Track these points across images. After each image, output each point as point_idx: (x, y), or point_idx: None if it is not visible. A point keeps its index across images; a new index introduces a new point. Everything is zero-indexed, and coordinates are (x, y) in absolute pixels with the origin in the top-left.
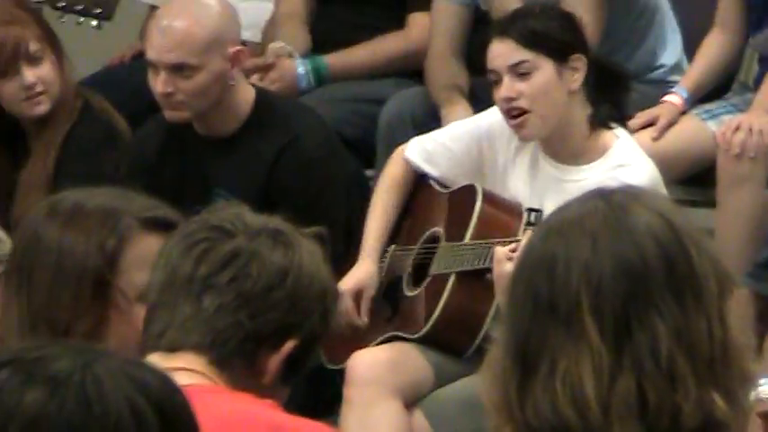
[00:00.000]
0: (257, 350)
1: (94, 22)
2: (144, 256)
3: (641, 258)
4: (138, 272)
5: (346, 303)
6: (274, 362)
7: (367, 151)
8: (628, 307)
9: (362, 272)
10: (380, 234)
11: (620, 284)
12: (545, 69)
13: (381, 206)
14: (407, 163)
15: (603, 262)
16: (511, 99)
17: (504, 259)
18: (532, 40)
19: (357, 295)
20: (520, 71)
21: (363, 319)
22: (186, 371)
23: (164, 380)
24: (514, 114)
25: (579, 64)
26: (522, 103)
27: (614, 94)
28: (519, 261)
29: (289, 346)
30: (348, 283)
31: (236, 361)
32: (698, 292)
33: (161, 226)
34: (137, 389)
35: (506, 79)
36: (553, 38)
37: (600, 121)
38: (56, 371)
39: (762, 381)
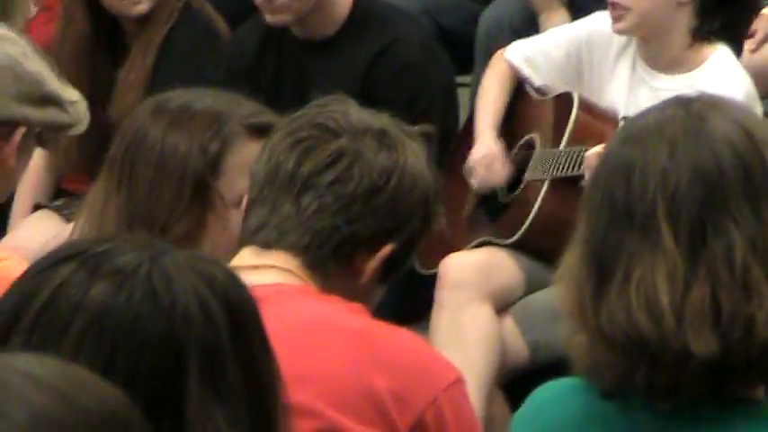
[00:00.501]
0: (354, 253)
1: None
2: (246, 162)
3: (718, 166)
4: (239, 177)
5: (478, 172)
6: (372, 264)
7: (464, 48)
8: (703, 214)
9: (486, 145)
10: (494, 115)
11: (696, 192)
12: None
13: (490, 94)
14: (509, 64)
15: (680, 169)
16: None
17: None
18: None
19: (489, 164)
20: None
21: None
22: (278, 269)
23: (231, 275)
24: (616, 7)
25: None
26: (626, 1)
27: (735, 11)
28: (597, 167)
29: (387, 249)
30: (476, 154)
31: (332, 263)
32: None
33: (265, 132)
34: (204, 282)
35: None
36: None
37: (703, 35)
38: (122, 264)
39: None
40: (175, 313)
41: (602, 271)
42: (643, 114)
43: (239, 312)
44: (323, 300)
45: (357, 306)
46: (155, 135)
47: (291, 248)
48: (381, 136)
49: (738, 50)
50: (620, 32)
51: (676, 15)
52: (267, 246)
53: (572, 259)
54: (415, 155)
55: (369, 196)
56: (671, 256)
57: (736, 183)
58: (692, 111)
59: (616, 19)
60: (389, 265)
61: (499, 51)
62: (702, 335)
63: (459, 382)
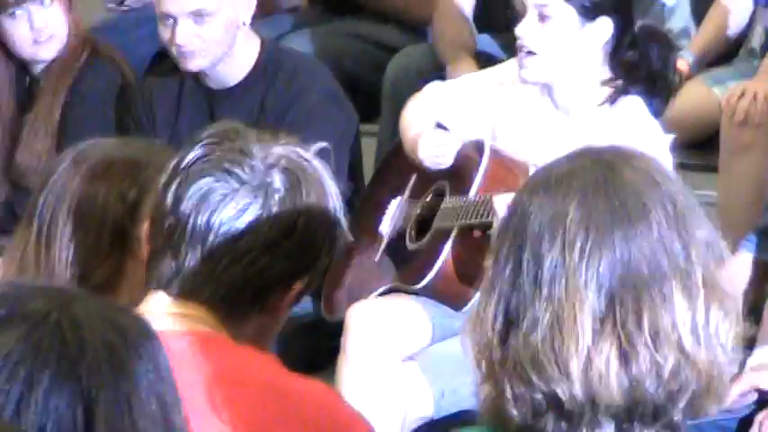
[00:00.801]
0: (268, 296)
1: None
2: None
3: (627, 217)
4: None
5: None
6: (286, 301)
7: (369, 96)
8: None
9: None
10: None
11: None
12: (566, 20)
13: (416, 119)
14: (426, 105)
15: (590, 219)
16: (523, 38)
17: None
18: None
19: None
20: (543, 12)
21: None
22: (192, 317)
23: (142, 325)
24: (524, 52)
25: (605, 25)
26: (533, 45)
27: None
28: (506, 214)
29: (300, 285)
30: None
31: (247, 309)
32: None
33: None
34: (115, 331)
35: (529, 16)
36: None
37: (613, 84)
38: (33, 310)
39: (756, 351)
40: (84, 362)
41: (509, 319)
42: (553, 163)
43: (149, 364)
44: (235, 351)
45: (268, 357)
46: (74, 185)
47: (207, 301)
48: (285, 175)
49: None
50: (527, 78)
51: (583, 62)
52: (181, 296)
53: (480, 307)
54: (317, 183)
55: (279, 243)
56: (579, 306)
57: None
58: (603, 160)
59: (525, 66)
60: (300, 293)
61: (414, 96)
62: (610, 386)
63: None
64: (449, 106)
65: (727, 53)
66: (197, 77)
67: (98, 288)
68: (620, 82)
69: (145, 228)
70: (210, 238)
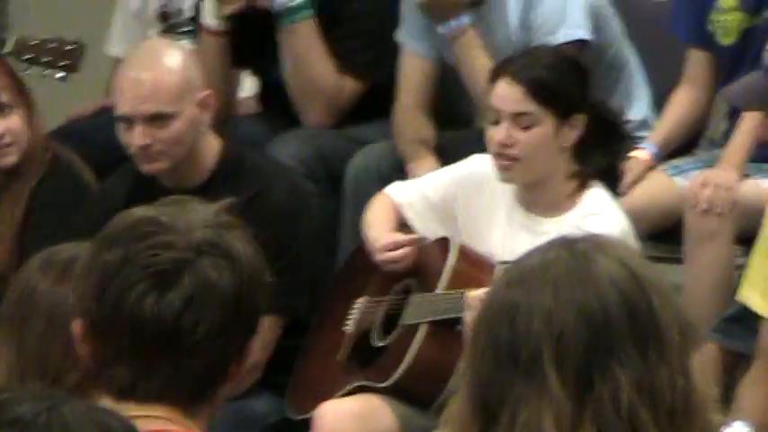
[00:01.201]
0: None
1: (59, 74)
2: None
3: (603, 308)
4: None
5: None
6: (243, 367)
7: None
8: (589, 357)
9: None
10: (389, 223)
11: (581, 334)
12: (546, 124)
13: (377, 220)
14: (392, 202)
15: (565, 311)
16: (506, 146)
17: (477, 306)
18: (542, 94)
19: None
20: (522, 122)
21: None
22: (163, 419)
23: (128, 426)
24: (504, 157)
25: (578, 123)
26: (515, 152)
27: (611, 147)
28: (481, 309)
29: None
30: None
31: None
32: (660, 342)
33: None
34: None
35: (506, 125)
36: (562, 95)
37: (581, 178)
38: (21, 413)
39: (734, 425)
40: None
41: (487, 414)
42: (527, 255)
43: None
44: None
45: None
46: (43, 289)
47: (175, 402)
48: (217, 255)
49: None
50: (508, 182)
51: (557, 160)
52: (147, 400)
53: (457, 403)
54: (247, 252)
55: (229, 325)
56: (557, 399)
57: (622, 325)
58: (577, 251)
59: (505, 169)
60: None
61: (381, 192)
62: None
63: None
64: (412, 206)
65: (687, 143)
66: (156, 179)
67: (71, 391)
68: (585, 173)
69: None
70: (163, 336)
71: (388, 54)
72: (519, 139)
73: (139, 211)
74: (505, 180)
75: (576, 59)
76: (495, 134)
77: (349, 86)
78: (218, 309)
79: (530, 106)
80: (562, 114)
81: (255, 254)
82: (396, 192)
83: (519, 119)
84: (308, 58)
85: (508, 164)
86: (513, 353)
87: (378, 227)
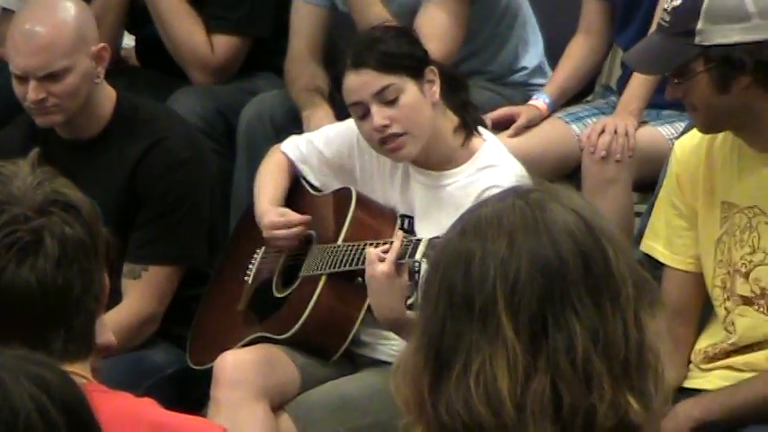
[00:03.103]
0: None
1: None
2: None
3: (558, 256)
4: None
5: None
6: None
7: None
8: (544, 305)
9: (273, 212)
10: (274, 194)
11: (536, 282)
12: (409, 89)
13: (269, 178)
14: (286, 157)
15: (520, 259)
16: (385, 127)
17: (377, 260)
18: (390, 64)
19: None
20: (387, 98)
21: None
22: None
23: (64, 377)
24: (391, 140)
25: (432, 75)
26: (396, 128)
27: (460, 98)
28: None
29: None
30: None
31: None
32: (615, 293)
33: None
34: (40, 388)
35: (375, 108)
36: (408, 56)
37: (467, 128)
38: None
39: None
40: (17, 423)
41: (440, 361)
42: (482, 204)
43: (77, 416)
44: (116, 396)
45: (148, 400)
46: None
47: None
48: (61, 209)
49: None
50: (406, 159)
51: (436, 117)
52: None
53: (409, 349)
54: (77, 195)
55: (94, 270)
56: (511, 346)
57: (577, 274)
58: (531, 200)
59: (395, 149)
60: None
61: (275, 146)
62: (543, 426)
63: None
64: (306, 161)
65: (582, 90)
66: (52, 131)
67: None
68: (467, 122)
69: None
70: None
71: (265, 8)
72: (393, 115)
73: None
74: (402, 159)
75: (395, 25)
76: (371, 122)
77: (222, 44)
78: (84, 259)
79: (386, 79)
80: (416, 73)
81: (78, 192)
82: (290, 148)
83: (383, 95)
84: (170, 19)
85: (397, 143)
86: (467, 301)
87: (267, 195)
